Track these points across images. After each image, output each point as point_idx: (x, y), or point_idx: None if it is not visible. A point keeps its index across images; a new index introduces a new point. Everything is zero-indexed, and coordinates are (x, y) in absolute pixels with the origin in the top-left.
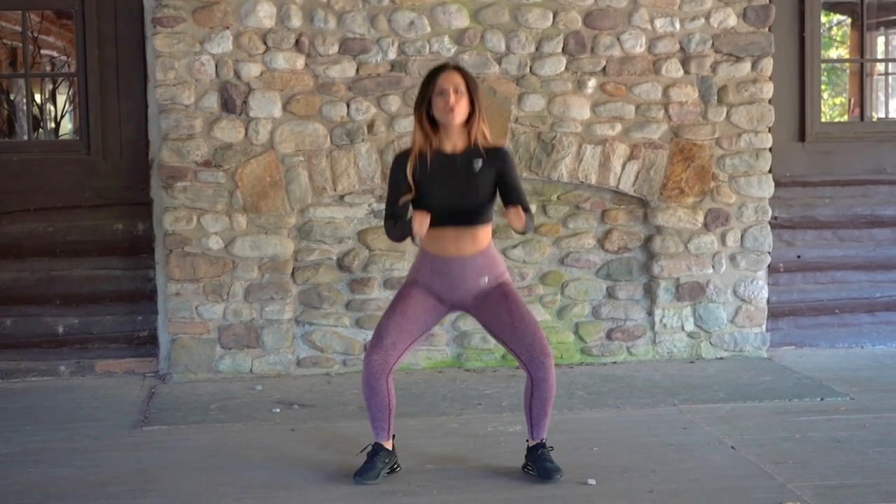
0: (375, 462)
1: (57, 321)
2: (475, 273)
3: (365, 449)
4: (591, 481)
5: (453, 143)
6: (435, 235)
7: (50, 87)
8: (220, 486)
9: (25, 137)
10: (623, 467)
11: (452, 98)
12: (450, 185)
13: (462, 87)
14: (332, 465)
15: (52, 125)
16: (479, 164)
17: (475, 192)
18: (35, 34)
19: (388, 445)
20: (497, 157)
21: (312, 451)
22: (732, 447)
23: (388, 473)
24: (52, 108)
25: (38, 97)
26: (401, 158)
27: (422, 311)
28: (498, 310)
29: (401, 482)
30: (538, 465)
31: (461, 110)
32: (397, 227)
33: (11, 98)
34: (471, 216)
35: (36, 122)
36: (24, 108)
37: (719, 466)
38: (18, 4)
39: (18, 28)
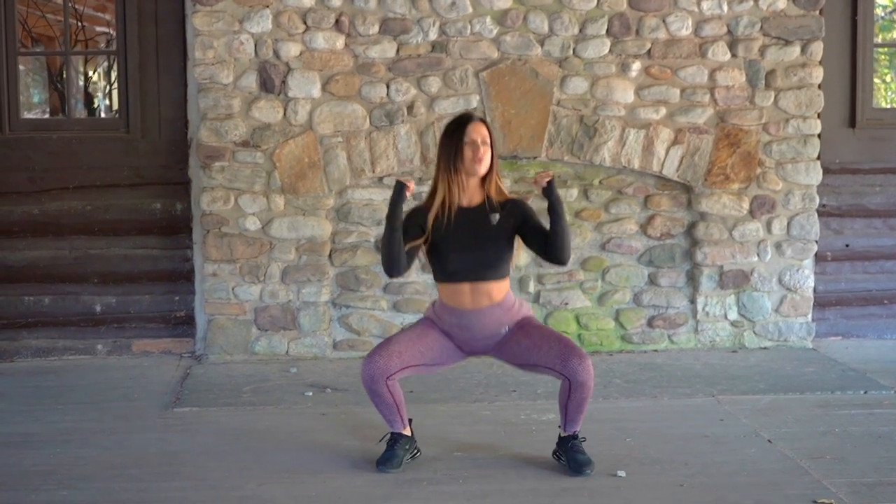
0: (396, 450)
1: (95, 300)
2: (494, 324)
3: (385, 437)
4: (621, 473)
5: (469, 196)
6: (452, 290)
7: (105, 64)
8: (244, 470)
9: (63, 115)
10: (655, 459)
11: (482, 150)
12: (467, 239)
13: (488, 139)
14: (359, 451)
15: (106, 103)
16: (496, 218)
17: (492, 246)
18: (80, 10)
19: (407, 432)
20: (515, 208)
21: (341, 437)
22: (769, 440)
23: (410, 459)
24: (107, 84)
25: (93, 75)
26: (420, 211)
27: (439, 346)
28: (518, 341)
29: (426, 469)
30: (569, 456)
31: (487, 162)
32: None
33: (63, 76)
34: (487, 272)
35: (89, 99)
36: (65, 85)
37: (754, 460)
38: None
39: (78, 6)
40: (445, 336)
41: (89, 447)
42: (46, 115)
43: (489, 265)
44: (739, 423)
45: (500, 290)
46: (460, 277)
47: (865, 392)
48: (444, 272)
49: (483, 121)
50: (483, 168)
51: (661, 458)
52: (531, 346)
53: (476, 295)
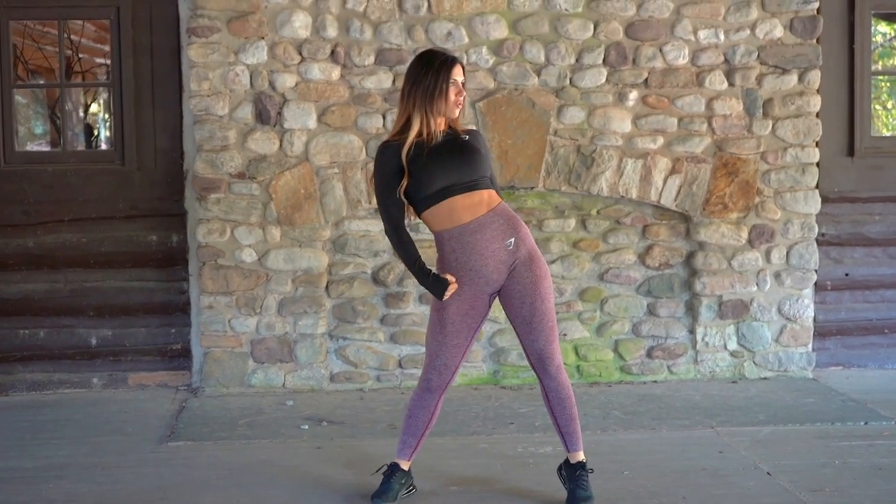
0: (392, 483)
1: (90, 333)
2: (498, 234)
3: (381, 469)
4: None
5: (438, 128)
6: (447, 210)
7: (105, 96)
8: None
9: (59, 148)
10: (653, 492)
11: (463, 93)
12: (447, 158)
13: (464, 81)
14: (353, 485)
15: (106, 134)
16: (465, 137)
17: (472, 156)
18: (77, 41)
19: (406, 466)
20: (479, 137)
21: (335, 471)
22: (768, 473)
23: (405, 494)
24: (108, 116)
25: (91, 106)
26: (388, 150)
27: (462, 320)
28: (522, 300)
29: None
30: (571, 488)
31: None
32: (415, 266)
33: (66, 108)
34: (474, 179)
35: (89, 131)
36: (61, 117)
37: (752, 494)
38: (55, 14)
39: (74, 37)
40: (460, 297)
41: (82, 482)
42: (48, 147)
43: (474, 172)
44: (738, 456)
45: (492, 196)
46: (451, 191)
47: (866, 423)
48: (433, 195)
49: (460, 61)
50: (458, 112)
51: (659, 492)
52: (525, 322)
53: (471, 205)
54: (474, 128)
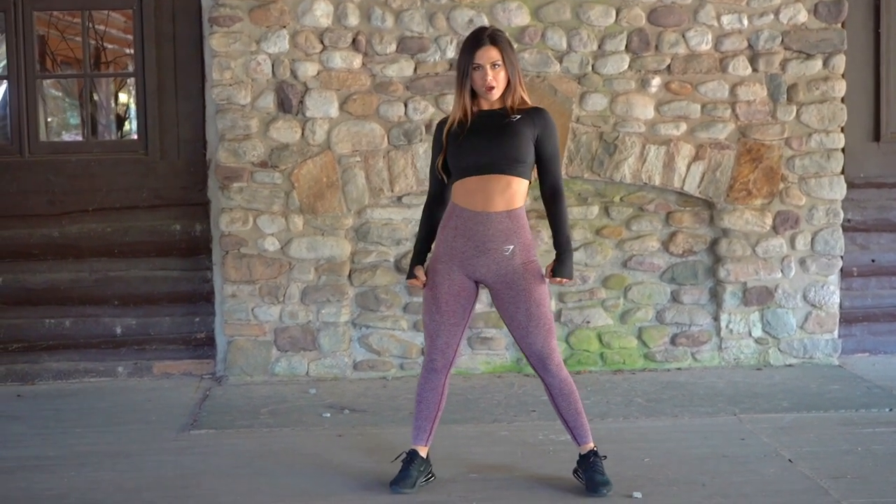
0: (410, 470)
1: (115, 322)
2: (501, 236)
3: (399, 456)
4: (637, 494)
5: (490, 104)
6: (467, 188)
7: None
8: (256, 493)
9: (83, 138)
10: (672, 479)
11: (490, 75)
12: (483, 134)
13: (499, 61)
14: (373, 473)
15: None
16: (516, 117)
17: (509, 138)
18: (102, 31)
19: (423, 453)
20: (537, 117)
21: (356, 459)
22: (790, 460)
23: (424, 482)
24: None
25: (123, 97)
26: (439, 126)
27: (454, 300)
28: (517, 306)
29: (441, 492)
30: (587, 475)
31: (500, 85)
32: (415, 246)
33: (94, 98)
34: (503, 164)
35: (120, 122)
36: (85, 107)
37: (773, 480)
38: (78, 4)
39: (103, 27)
40: (450, 275)
41: (104, 470)
42: (80, 137)
43: (504, 156)
44: (760, 443)
45: (515, 191)
46: (475, 170)
47: (891, 409)
48: (459, 168)
49: (495, 40)
50: (496, 92)
51: (679, 479)
52: (522, 327)
53: (490, 193)
54: (540, 108)
